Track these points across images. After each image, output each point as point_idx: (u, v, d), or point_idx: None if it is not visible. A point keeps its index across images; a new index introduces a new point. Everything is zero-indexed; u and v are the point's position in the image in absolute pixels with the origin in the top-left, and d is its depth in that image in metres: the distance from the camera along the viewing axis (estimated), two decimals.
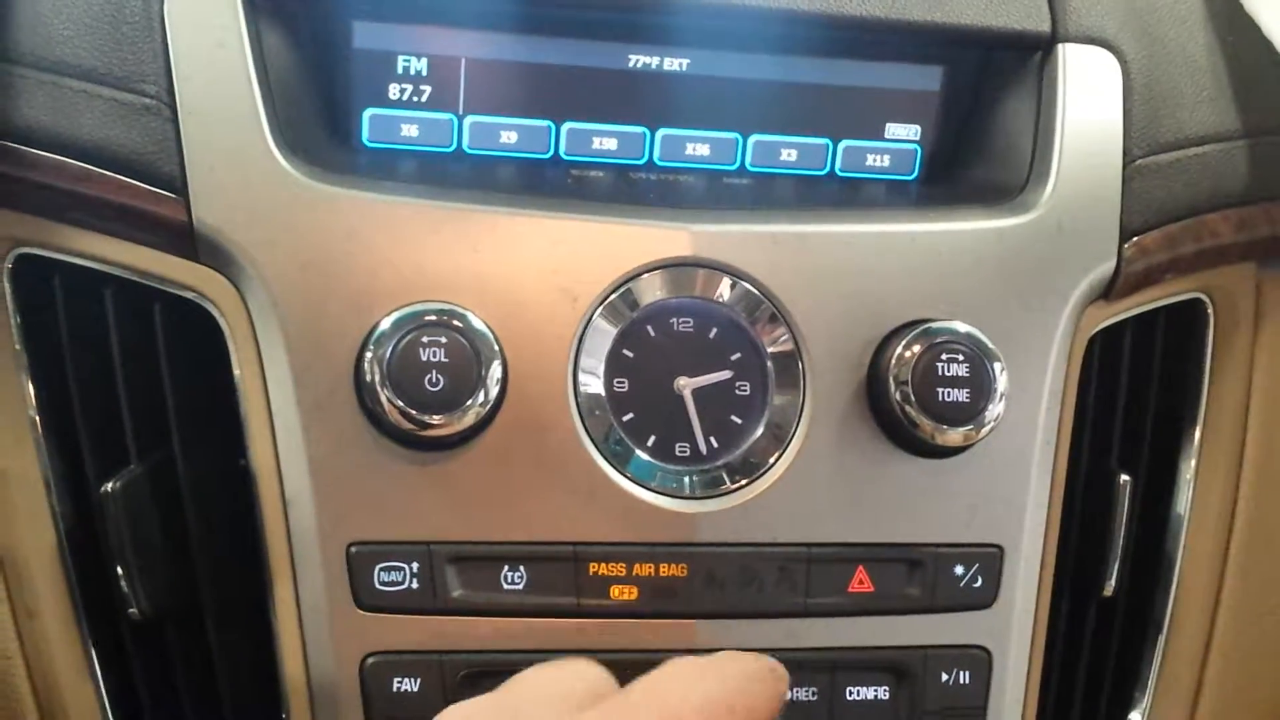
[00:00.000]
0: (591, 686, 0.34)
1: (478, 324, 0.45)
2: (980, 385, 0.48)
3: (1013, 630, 0.51)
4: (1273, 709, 0.60)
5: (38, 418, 0.47)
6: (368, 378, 0.45)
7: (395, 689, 0.46)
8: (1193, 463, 0.57)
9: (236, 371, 0.47)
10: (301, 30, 0.49)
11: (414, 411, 0.44)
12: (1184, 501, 0.57)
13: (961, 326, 0.48)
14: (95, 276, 0.47)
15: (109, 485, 0.46)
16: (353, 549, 0.46)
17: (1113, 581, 0.55)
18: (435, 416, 0.45)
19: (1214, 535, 0.58)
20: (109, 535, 0.47)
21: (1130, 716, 0.59)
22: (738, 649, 0.35)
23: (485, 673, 0.47)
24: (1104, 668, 0.58)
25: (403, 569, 0.46)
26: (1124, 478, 0.54)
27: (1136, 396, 0.56)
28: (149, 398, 0.48)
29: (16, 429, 0.47)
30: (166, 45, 0.45)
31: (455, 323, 0.45)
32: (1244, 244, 0.55)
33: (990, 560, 0.50)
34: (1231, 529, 0.58)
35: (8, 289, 0.47)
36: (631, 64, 0.53)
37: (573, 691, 0.34)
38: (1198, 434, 0.58)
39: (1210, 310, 0.57)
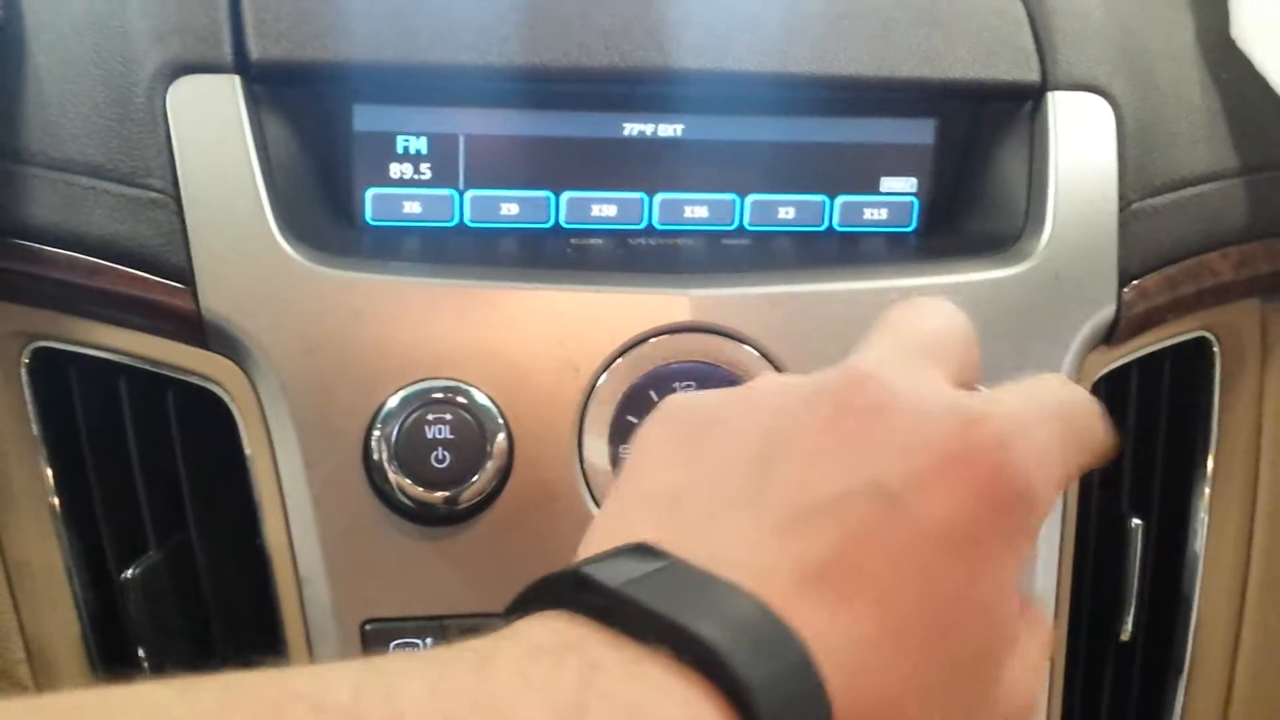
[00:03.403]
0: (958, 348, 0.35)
1: (482, 399, 0.46)
2: None
3: None
4: None
5: (58, 508, 0.48)
6: (375, 456, 0.46)
7: None
8: (1205, 501, 0.57)
9: (248, 454, 0.48)
10: (302, 116, 0.51)
11: (421, 489, 0.45)
12: (1199, 541, 0.57)
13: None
14: (109, 366, 0.48)
15: (129, 572, 0.47)
16: (367, 627, 0.46)
17: (1129, 626, 0.55)
18: (442, 493, 0.45)
19: (1231, 573, 0.58)
20: (131, 621, 0.47)
21: None
22: None
23: None
24: (1126, 713, 0.57)
25: (417, 645, 0.47)
26: (1136, 521, 0.54)
27: (1145, 438, 0.56)
28: (165, 483, 0.49)
29: (38, 520, 0.48)
30: (170, 139, 0.47)
31: (460, 399, 0.46)
32: (1245, 281, 0.55)
33: None
34: (1248, 566, 0.58)
35: (25, 382, 0.48)
36: (627, 132, 0.54)
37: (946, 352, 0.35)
38: (1209, 472, 0.57)
39: (1216, 348, 0.57)
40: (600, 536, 0.32)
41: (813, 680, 0.25)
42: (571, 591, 0.27)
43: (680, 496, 0.31)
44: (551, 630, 0.26)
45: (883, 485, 0.29)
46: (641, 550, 0.28)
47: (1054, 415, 0.31)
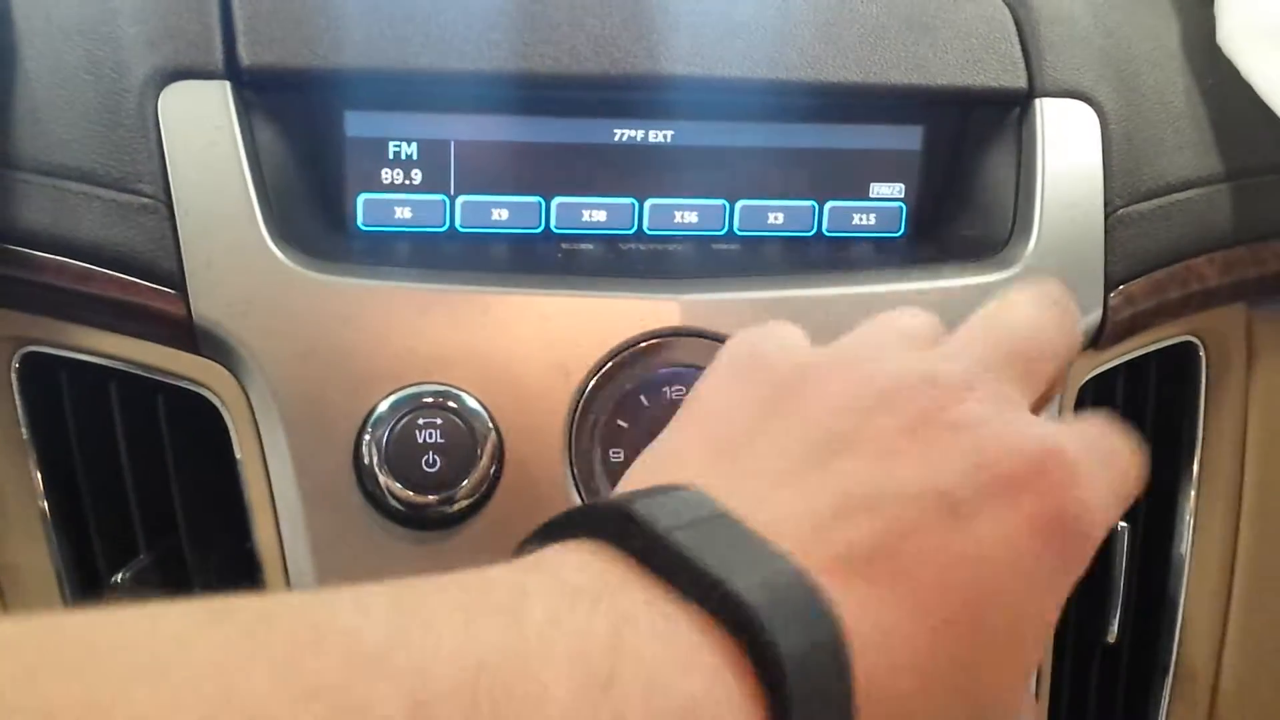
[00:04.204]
0: (926, 328, 0.36)
1: (472, 404, 0.46)
2: None
3: None
4: None
5: (48, 512, 0.48)
6: (366, 460, 0.46)
7: None
8: (1191, 505, 0.58)
9: (239, 458, 0.48)
10: (294, 122, 0.51)
11: (411, 493, 0.45)
12: (1184, 544, 0.58)
13: None
14: (100, 371, 0.48)
15: (119, 576, 0.47)
16: None
17: (1115, 629, 0.55)
18: (433, 496, 0.46)
19: (1216, 576, 0.58)
20: None
21: None
22: None
23: None
24: (1112, 714, 0.58)
25: None
26: (1121, 525, 0.55)
27: None
28: (156, 487, 0.49)
29: (28, 524, 0.48)
30: (161, 145, 0.47)
31: (450, 404, 0.46)
32: (1231, 286, 0.56)
33: None
34: (1233, 569, 0.58)
35: (15, 387, 0.48)
36: (617, 138, 0.54)
37: (916, 332, 0.35)
38: (1195, 476, 0.58)
39: (1202, 352, 0.58)
40: (648, 465, 0.33)
41: (841, 659, 0.25)
42: (615, 525, 0.27)
43: (736, 451, 0.31)
44: (586, 565, 0.26)
45: (950, 497, 0.29)
46: (691, 494, 0.28)
47: (1113, 460, 0.32)
